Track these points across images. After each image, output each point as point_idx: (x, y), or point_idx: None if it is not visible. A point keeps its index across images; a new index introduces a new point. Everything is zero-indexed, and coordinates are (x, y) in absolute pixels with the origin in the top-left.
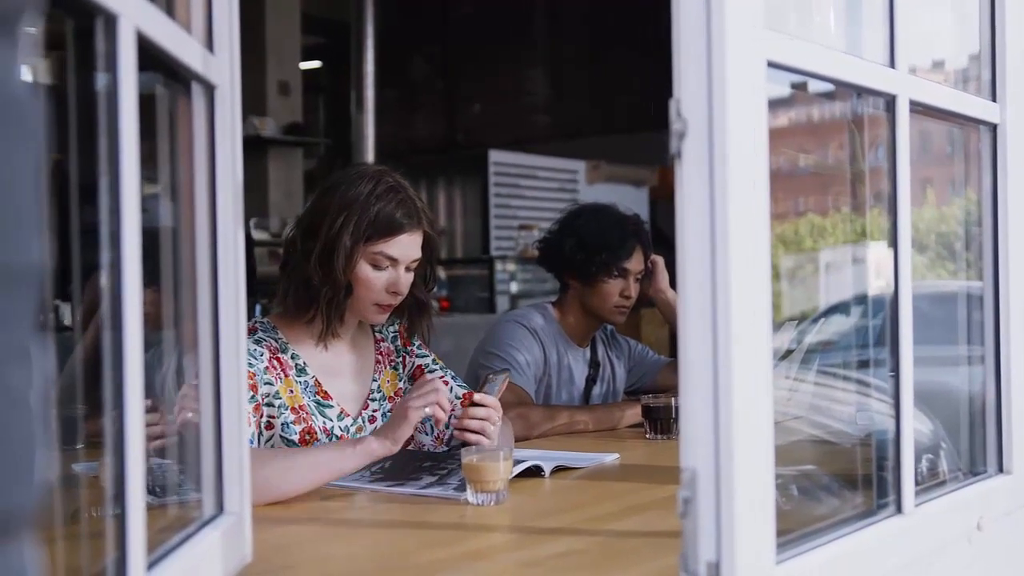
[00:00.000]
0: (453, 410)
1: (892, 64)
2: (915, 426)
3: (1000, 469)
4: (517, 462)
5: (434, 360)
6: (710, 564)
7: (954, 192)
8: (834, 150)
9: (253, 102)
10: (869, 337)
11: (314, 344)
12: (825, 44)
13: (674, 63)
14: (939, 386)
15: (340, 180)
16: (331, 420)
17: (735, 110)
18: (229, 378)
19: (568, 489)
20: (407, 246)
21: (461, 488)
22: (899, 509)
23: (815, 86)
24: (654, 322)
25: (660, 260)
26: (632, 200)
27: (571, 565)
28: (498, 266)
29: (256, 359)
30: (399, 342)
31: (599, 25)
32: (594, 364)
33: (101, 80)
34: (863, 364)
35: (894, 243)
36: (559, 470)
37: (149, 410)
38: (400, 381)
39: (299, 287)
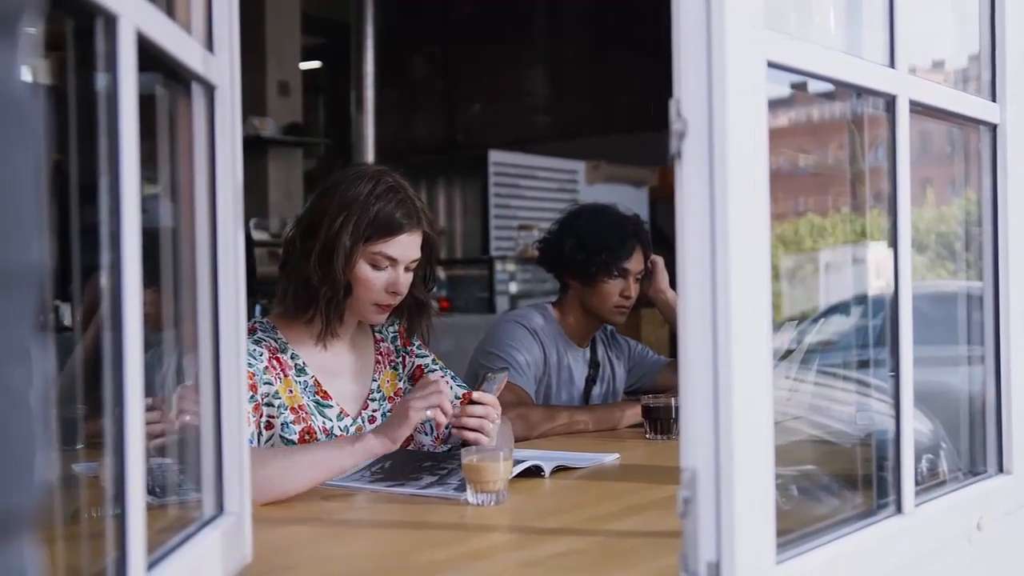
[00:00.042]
0: (453, 410)
1: (892, 64)
2: (915, 426)
3: (1000, 469)
4: (517, 462)
5: (434, 360)
6: (710, 564)
7: (954, 192)
8: (834, 150)
9: (253, 102)
10: (869, 337)
11: (313, 344)
12: (825, 44)
13: (674, 63)
14: (939, 386)
15: (340, 180)
16: (330, 420)
17: (735, 110)
18: (229, 378)
19: (568, 489)
20: (407, 246)
21: (461, 488)
22: (899, 509)
23: (815, 86)
24: (654, 322)
25: (660, 260)
26: (632, 200)
27: (571, 565)
28: (498, 266)
29: (256, 359)
30: (399, 342)
31: (599, 25)
32: (594, 364)
33: (101, 80)
34: (863, 364)
35: (894, 243)
36: (559, 470)
37: (149, 410)
38: (400, 381)
39: (298, 287)
